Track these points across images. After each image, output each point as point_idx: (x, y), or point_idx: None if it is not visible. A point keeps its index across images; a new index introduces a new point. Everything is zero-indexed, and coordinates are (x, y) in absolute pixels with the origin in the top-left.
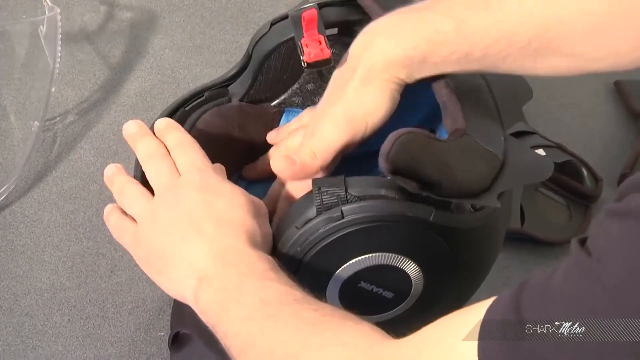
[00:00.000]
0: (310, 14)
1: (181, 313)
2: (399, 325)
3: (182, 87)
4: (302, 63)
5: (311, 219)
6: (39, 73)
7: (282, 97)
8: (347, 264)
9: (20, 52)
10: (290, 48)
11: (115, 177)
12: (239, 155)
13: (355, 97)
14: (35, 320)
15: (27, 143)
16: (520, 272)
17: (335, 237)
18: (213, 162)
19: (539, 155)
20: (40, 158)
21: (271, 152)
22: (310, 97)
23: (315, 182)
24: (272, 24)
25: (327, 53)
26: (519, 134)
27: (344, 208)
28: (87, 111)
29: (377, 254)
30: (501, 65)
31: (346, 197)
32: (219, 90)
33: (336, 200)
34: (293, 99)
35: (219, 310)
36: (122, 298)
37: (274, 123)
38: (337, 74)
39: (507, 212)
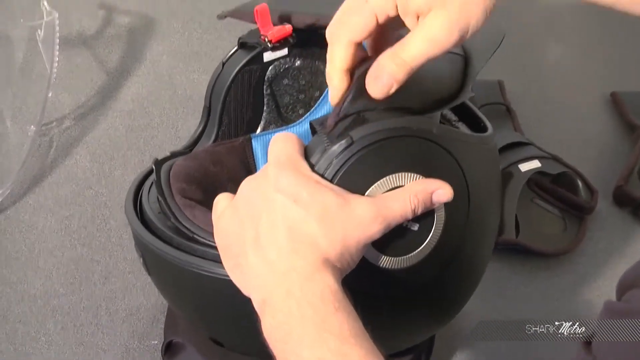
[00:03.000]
0: (262, 7)
1: (175, 321)
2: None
3: (179, 93)
4: (268, 45)
5: (324, 152)
6: (36, 77)
7: (262, 124)
8: (368, 191)
9: (18, 56)
10: (246, 74)
11: None
12: (225, 189)
13: None
14: (29, 327)
15: (23, 148)
16: (513, 283)
17: (350, 163)
18: (202, 199)
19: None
20: (36, 163)
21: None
22: (289, 113)
23: (314, 121)
24: (224, 63)
25: (289, 28)
26: (514, 145)
27: (352, 132)
28: (84, 116)
29: (394, 174)
30: None
31: (350, 125)
32: (183, 150)
33: (342, 129)
34: (271, 116)
35: (279, 354)
36: (116, 305)
37: (247, 152)
38: None
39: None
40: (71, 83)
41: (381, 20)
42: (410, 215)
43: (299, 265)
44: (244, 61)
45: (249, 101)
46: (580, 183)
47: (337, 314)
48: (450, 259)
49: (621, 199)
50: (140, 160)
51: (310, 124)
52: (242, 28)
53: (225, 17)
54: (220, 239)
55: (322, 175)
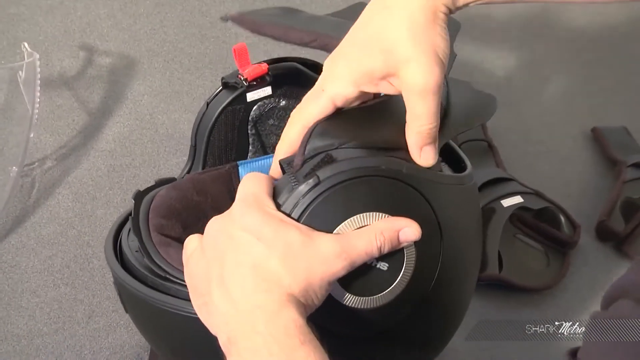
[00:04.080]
0: (240, 46)
1: (157, 358)
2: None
3: (161, 133)
4: (244, 82)
5: (291, 191)
6: (18, 118)
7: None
8: (335, 230)
9: None
10: (230, 114)
11: None
12: (208, 219)
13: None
14: None
15: (5, 189)
16: (497, 318)
17: (316, 203)
18: (181, 234)
19: (483, 92)
20: (18, 203)
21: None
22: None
23: (283, 160)
24: (208, 103)
25: (264, 67)
26: (496, 181)
27: (319, 172)
28: (66, 156)
29: (362, 214)
30: None
31: (318, 164)
32: (168, 178)
33: (309, 169)
34: (257, 155)
35: None
36: (99, 344)
37: (233, 180)
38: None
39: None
40: (53, 124)
41: (340, 103)
42: (375, 253)
43: (263, 303)
44: (227, 101)
45: (233, 141)
46: (562, 218)
47: (303, 347)
48: (423, 299)
49: (604, 233)
50: (122, 200)
51: (280, 162)
52: (223, 67)
53: (228, 19)
54: (189, 279)
55: (289, 215)
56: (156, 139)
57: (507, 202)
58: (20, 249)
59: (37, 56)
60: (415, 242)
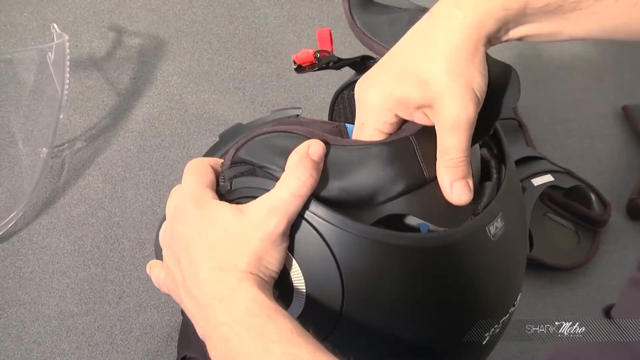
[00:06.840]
0: (322, 30)
1: (187, 337)
2: None
3: (190, 113)
4: (293, 64)
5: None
6: (47, 100)
7: None
8: None
9: (29, 79)
10: (346, 97)
11: None
12: None
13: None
14: (44, 348)
15: (35, 170)
16: (528, 297)
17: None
18: None
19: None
20: (48, 185)
21: None
22: None
23: (223, 155)
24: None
25: (311, 52)
26: (526, 160)
27: (234, 180)
28: (95, 137)
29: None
30: (585, 25)
31: (241, 172)
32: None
33: (232, 174)
34: None
35: None
36: (130, 324)
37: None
38: (416, 32)
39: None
40: (82, 105)
41: (387, 130)
42: (302, 189)
43: (217, 291)
44: (340, 87)
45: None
46: (593, 196)
47: (272, 320)
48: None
49: (634, 211)
50: (152, 180)
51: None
52: (252, 47)
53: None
54: (173, 295)
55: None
56: (186, 120)
57: (537, 181)
58: (51, 230)
59: (67, 37)
60: (305, 275)
